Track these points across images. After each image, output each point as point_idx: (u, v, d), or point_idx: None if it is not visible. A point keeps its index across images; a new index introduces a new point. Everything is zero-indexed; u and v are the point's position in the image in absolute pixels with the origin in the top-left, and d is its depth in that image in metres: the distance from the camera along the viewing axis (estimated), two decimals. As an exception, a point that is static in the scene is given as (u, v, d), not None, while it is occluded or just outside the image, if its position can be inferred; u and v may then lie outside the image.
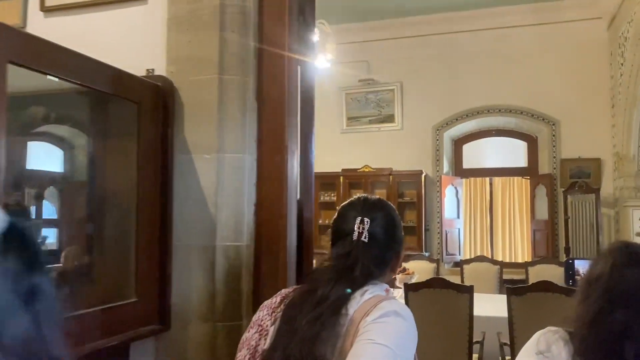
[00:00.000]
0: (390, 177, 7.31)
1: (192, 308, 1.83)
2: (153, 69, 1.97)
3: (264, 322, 1.25)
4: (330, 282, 1.18)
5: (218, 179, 1.83)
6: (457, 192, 7.50)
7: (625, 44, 6.07)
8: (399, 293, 3.90)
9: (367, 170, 7.45)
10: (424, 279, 5.32)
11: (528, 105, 7.11)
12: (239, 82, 1.87)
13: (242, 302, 1.84)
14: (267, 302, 1.31)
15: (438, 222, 7.36)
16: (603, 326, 1.14)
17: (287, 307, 1.21)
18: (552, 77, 7.00)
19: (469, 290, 3.49)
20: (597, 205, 6.42)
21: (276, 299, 1.29)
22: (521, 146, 7.55)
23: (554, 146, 7.01)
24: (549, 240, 6.91)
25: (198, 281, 1.83)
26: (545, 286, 3.18)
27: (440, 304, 3.55)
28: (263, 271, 1.84)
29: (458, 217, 7.57)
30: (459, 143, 7.77)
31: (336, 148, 7.82)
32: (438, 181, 7.38)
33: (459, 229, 7.55)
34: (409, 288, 3.68)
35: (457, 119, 7.41)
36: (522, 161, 7.56)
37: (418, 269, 5.42)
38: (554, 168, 6.99)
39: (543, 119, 7.06)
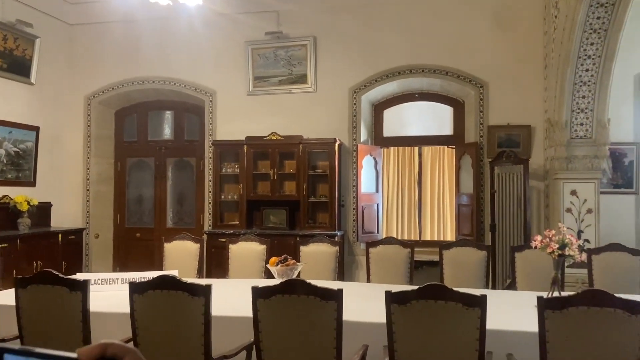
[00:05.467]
0: (301, 146, 6.37)
1: None
2: None
3: None
4: None
5: None
6: (375, 163, 6.65)
7: (560, -8, 5.29)
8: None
9: (274, 138, 6.48)
10: (320, 269, 4.50)
11: (454, 65, 6.28)
12: None
13: None
14: None
15: (354, 197, 6.50)
16: None
17: None
18: (481, 34, 6.20)
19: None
20: (526, 177, 5.71)
21: None
22: (447, 112, 6.74)
23: (481, 111, 6.23)
24: (474, 217, 6.20)
25: None
26: (436, 292, 2.32)
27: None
28: None
29: (377, 191, 6.74)
30: (378, 108, 6.89)
31: (240, 112, 6.82)
32: (354, 151, 6.50)
33: (377, 205, 6.73)
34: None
35: (376, 80, 6.50)
36: (448, 129, 6.77)
37: (315, 255, 4.54)
38: (481, 136, 6.23)
39: (470, 81, 6.26)
